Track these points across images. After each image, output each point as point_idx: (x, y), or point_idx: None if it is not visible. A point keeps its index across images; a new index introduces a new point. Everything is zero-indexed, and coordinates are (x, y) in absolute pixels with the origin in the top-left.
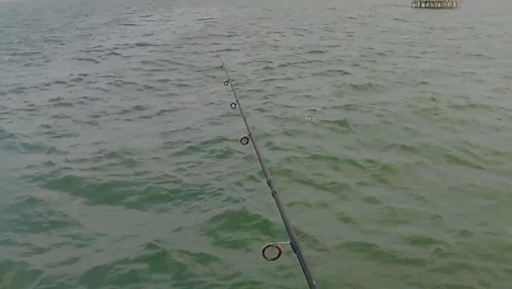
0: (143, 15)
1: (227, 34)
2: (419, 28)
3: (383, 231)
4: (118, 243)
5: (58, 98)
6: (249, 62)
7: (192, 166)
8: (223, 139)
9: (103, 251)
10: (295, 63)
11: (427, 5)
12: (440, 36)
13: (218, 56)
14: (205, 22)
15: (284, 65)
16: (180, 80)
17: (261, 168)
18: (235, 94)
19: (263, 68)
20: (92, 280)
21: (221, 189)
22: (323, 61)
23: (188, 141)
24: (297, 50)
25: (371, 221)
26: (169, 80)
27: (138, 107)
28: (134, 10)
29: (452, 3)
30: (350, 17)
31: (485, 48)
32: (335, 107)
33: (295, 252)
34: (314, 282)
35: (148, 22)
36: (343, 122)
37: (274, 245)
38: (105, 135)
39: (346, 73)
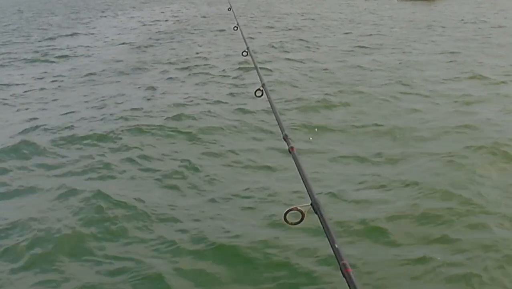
0: (107, 15)
1: (199, 31)
2: (408, 24)
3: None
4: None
5: (25, 96)
6: (227, 54)
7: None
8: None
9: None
10: (274, 58)
11: None
12: (434, 30)
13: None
14: (174, 20)
15: (265, 58)
16: (161, 76)
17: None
18: (244, 40)
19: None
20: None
21: (234, 148)
22: (305, 58)
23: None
24: (276, 45)
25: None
26: (152, 76)
27: (118, 97)
28: (100, 10)
29: None
30: (330, 13)
31: (484, 42)
32: (326, 94)
33: (316, 213)
34: (337, 246)
35: (115, 22)
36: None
37: (296, 209)
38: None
39: (329, 71)
